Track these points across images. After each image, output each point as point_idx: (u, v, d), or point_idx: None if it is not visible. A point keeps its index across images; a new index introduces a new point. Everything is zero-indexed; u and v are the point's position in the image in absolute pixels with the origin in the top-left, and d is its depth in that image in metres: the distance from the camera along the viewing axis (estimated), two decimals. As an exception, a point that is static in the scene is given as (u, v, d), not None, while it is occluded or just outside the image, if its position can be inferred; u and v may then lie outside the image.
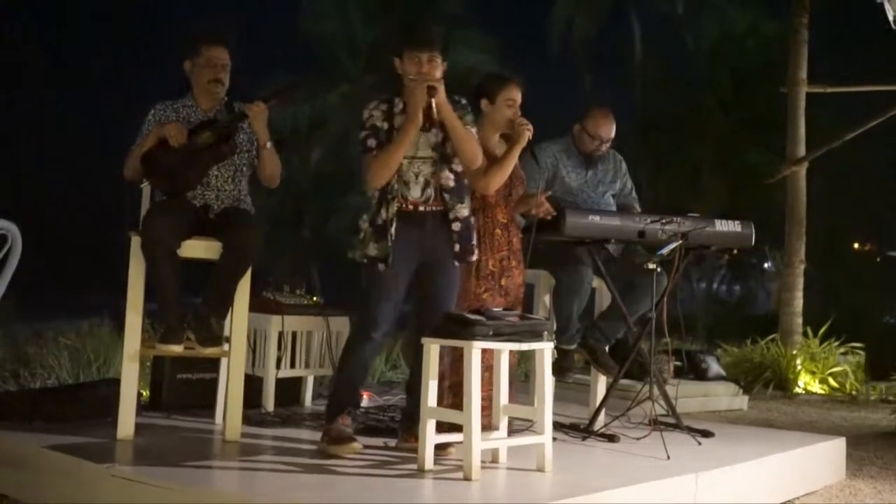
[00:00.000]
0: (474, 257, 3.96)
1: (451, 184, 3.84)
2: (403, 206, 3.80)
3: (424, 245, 3.82)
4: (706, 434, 4.56)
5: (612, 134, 4.85)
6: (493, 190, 4.11)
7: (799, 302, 9.60)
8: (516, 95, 4.22)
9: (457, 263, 3.88)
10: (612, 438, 4.35)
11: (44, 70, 26.82)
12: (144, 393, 5.09)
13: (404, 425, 3.98)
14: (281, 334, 4.94)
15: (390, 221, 3.76)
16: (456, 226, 3.84)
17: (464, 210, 3.87)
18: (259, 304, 4.80)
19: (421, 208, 3.83)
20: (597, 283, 4.80)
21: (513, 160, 4.12)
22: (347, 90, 20.54)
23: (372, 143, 3.79)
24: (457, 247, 3.85)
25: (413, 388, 3.90)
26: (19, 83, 24.09)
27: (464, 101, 3.92)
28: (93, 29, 28.40)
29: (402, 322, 4.05)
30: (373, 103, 3.88)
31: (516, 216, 4.39)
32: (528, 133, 4.09)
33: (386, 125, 3.81)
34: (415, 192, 3.82)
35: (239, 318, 4.07)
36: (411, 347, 4.00)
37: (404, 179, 3.81)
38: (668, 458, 3.93)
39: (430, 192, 3.84)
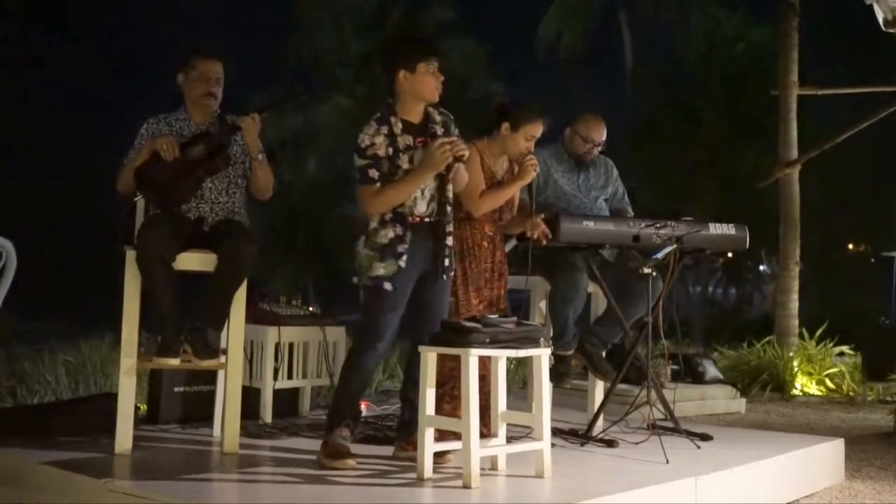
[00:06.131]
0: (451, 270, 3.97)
1: (451, 196, 3.88)
2: (412, 219, 3.80)
3: (426, 257, 3.83)
4: (705, 437, 4.56)
5: (604, 137, 4.87)
6: (481, 213, 4.19)
7: (795, 304, 9.62)
8: (538, 133, 4.26)
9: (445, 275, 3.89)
10: (610, 443, 4.35)
11: (43, 84, 26.81)
12: (142, 406, 5.08)
13: (401, 434, 3.98)
14: (278, 345, 4.93)
15: (402, 238, 3.75)
16: (450, 239, 3.87)
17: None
18: (255, 316, 4.80)
19: (427, 220, 3.84)
20: (592, 288, 4.80)
21: (510, 193, 4.23)
22: (340, 101, 20.63)
23: (374, 174, 3.73)
24: (447, 261, 3.87)
25: (408, 397, 3.91)
26: (15, 98, 24.05)
27: (450, 115, 3.94)
28: (91, 41, 28.41)
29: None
30: (371, 128, 3.77)
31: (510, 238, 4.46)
32: (533, 173, 4.17)
33: (391, 150, 3.76)
34: (421, 207, 3.82)
35: (236, 330, 4.06)
36: (407, 356, 4.00)
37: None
38: (668, 462, 3.93)
39: (434, 205, 3.85)
